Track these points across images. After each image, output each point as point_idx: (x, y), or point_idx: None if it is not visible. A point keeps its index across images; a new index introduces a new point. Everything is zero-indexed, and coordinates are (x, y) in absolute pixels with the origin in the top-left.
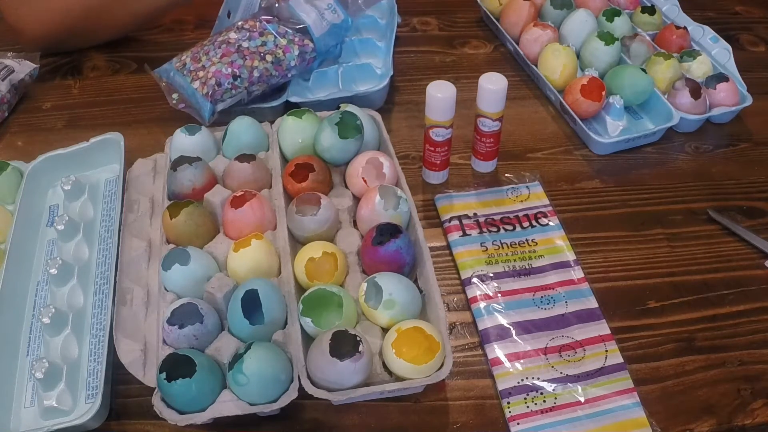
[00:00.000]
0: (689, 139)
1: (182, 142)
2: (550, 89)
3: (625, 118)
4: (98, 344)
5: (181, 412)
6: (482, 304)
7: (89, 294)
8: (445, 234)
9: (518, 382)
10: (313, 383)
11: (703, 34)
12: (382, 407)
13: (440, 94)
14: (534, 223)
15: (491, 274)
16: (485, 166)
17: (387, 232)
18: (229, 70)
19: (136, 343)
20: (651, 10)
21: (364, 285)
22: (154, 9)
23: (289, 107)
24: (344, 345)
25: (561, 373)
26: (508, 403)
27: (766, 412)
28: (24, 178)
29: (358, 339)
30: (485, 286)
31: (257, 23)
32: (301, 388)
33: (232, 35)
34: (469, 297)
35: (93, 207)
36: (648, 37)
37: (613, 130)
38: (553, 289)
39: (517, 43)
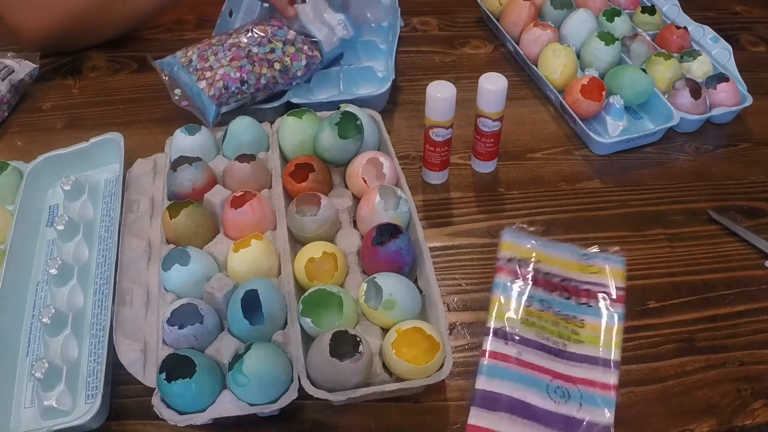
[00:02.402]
0: (689, 139)
1: (182, 142)
2: (550, 89)
3: (625, 118)
4: (98, 344)
5: (181, 413)
6: (491, 363)
7: (89, 294)
8: (495, 272)
9: None
10: (313, 383)
11: (703, 34)
12: (382, 407)
13: (440, 95)
14: (593, 302)
15: (519, 336)
16: (485, 166)
17: (387, 232)
18: (238, 74)
19: (136, 344)
20: (651, 10)
21: (364, 285)
22: (152, 7)
23: (289, 108)
24: (344, 345)
25: None
26: None
27: (766, 412)
28: (24, 178)
29: (358, 339)
30: (506, 346)
31: (268, 28)
32: (301, 389)
33: (243, 39)
34: (483, 347)
35: (93, 207)
36: (648, 37)
37: (613, 130)
38: (574, 384)
39: (517, 43)
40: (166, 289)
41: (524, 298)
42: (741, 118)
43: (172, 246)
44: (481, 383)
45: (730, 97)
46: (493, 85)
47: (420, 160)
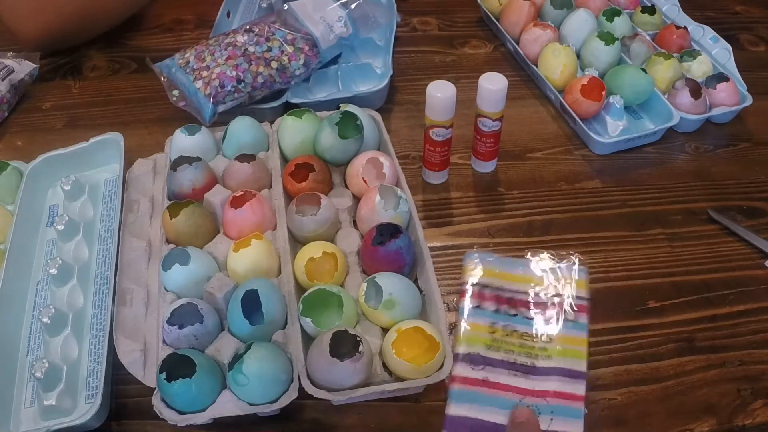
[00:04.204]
0: (689, 139)
1: (182, 142)
2: (550, 89)
3: (625, 118)
4: (98, 344)
5: (181, 413)
6: (459, 388)
7: (89, 294)
8: (460, 297)
9: None
10: (313, 383)
11: (703, 34)
12: (382, 407)
13: (440, 94)
14: (559, 315)
15: (485, 359)
16: (485, 166)
17: (387, 232)
18: (234, 73)
19: (136, 343)
20: (651, 10)
21: (364, 285)
22: None
23: (289, 108)
24: (344, 345)
25: None
26: None
27: (766, 412)
28: (24, 178)
29: (358, 339)
30: (473, 371)
31: (266, 27)
32: (301, 389)
33: (240, 38)
34: (452, 373)
35: (93, 207)
36: (648, 37)
37: (613, 130)
38: (544, 398)
39: (517, 43)
40: (166, 289)
41: (488, 320)
42: (741, 118)
43: (172, 246)
44: (451, 409)
45: (730, 97)
46: (493, 85)
47: (420, 160)
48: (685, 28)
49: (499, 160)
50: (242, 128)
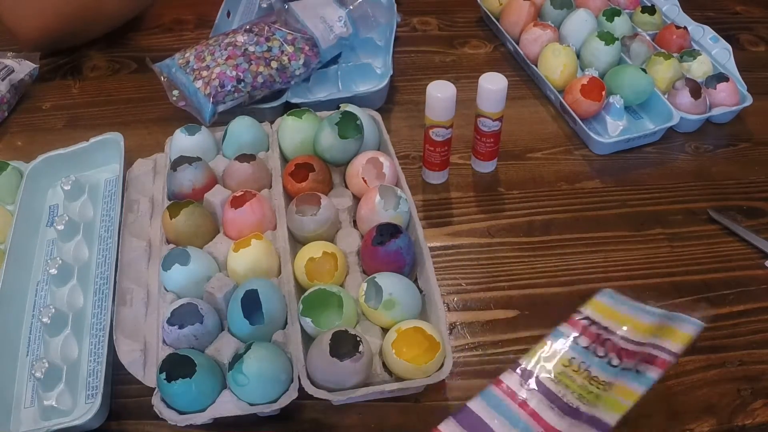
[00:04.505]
0: (689, 139)
1: (182, 142)
2: (550, 89)
3: (625, 118)
4: (98, 344)
5: (181, 413)
6: (495, 392)
7: (89, 294)
8: (567, 322)
9: None
10: (313, 383)
11: (703, 34)
12: (382, 407)
13: (440, 94)
14: (636, 366)
15: (540, 382)
16: (485, 166)
17: (387, 232)
18: (234, 73)
19: (136, 343)
20: (651, 10)
21: (364, 285)
22: None
23: (288, 108)
24: (344, 345)
25: None
26: None
27: (766, 412)
28: (24, 178)
29: (358, 339)
30: (521, 387)
31: (266, 27)
32: (301, 388)
33: (240, 38)
34: (497, 376)
35: (93, 207)
36: (648, 37)
37: (613, 130)
38: None
39: (517, 43)
40: (166, 289)
41: (572, 353)
42: (741, 118)
43: (172, 246)
44: (474, 404)
45: (730, 97)
46: (493, 85)
47: (420, 160)
48: (685, 28)
49: (499, 160)
50: (242, 128)
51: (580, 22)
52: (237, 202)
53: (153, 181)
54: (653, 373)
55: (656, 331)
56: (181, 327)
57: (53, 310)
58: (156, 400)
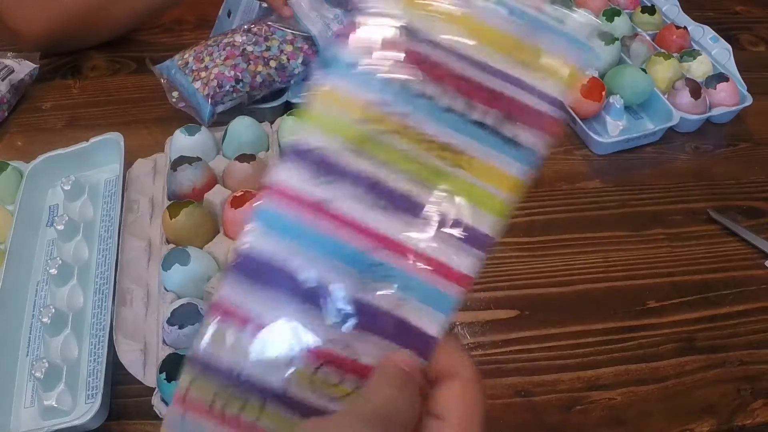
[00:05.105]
0: (689, 139)
1: (182, 142)
2: None
3: (625, 118)
4: (98, 344)
5: None
6: (274, 209)
7: (89, 294)
8: (337, 39)
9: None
10: None
11: (703, 34)
12: None
13: None
14: (507, 122)
15: (335, 165)
16: None
17: None
18: (232, 73)
19: (136, 343)
20: (651, 10)
21: None
22: (151, 7)
23: (289, 107)
24: None
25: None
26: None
27: (766, 412)
28: (24, 178)
29: None
30: (308, 182)
31: (264, 27)
32: None
33: (238, 38)
34: (271, 178)
35: (93, 207)
36: (648, 37)
37: (613, 130)
38: (406, 257)
39: None
40: (166, 289)
41: (376, 94)
42: (741, 118)
43: (172, 246)
44: (250, 237)
45: (730, 97)
46: None
47: None
48: (685, 28)
49: None
50: (242, 128)
51: None
52: (237, 202)
53: (153, 181)
54: (537, 140)
55: (528, 52)
56: (181, 327)
57: (53, 310)
58: (156, 400)
